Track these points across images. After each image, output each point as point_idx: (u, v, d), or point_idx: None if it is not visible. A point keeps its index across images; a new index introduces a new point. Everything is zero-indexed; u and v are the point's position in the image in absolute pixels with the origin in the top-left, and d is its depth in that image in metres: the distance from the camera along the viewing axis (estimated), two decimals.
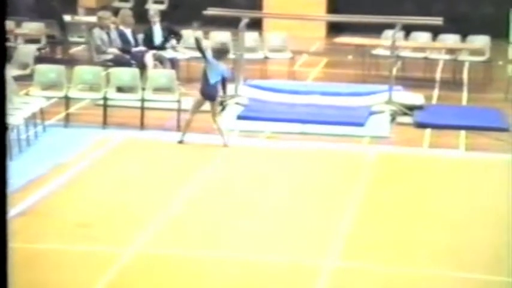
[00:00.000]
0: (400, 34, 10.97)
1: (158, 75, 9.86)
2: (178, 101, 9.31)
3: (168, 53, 11.19)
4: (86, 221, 6.42)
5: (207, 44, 9.56)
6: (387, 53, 10.90)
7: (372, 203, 7.06)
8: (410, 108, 9.98)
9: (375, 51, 11.81)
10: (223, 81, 8.71)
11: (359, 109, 9.92)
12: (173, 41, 11.30)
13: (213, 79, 8.45)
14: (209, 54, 8.56)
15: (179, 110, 9.25)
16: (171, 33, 11.29)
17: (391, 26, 10.77)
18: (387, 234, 6.34)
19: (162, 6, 14.93)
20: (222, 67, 8.58)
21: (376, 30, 11.88)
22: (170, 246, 6.04)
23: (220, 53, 8.62)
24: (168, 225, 6.44)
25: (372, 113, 9.79)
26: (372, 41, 11.97)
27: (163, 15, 12.79)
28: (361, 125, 9.40)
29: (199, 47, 8.56)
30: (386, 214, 6.79)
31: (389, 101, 9.95)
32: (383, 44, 11.55)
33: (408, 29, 11.64)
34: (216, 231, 6.34)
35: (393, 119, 9.72)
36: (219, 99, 8.73)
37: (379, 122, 9.57)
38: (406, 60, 11.82)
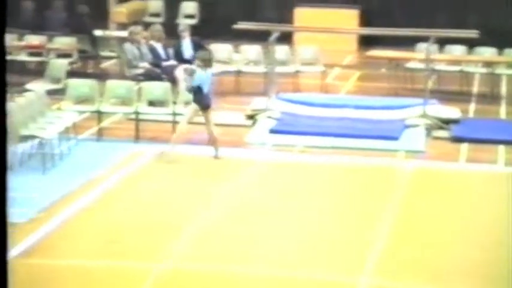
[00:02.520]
0: (435, 47, 10.79)
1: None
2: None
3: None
4: (117, 237, 6.35)
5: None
6: (421, 66, 10.74)
7: (408, 219, 6.90)
8: (446, 122, 9.79)
9: (408, 65, 11.64)
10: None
11: (393, 123, 9.75)
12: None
13: (206, 88, 8.40)
14: (197, 64, 8.54)
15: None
16: (200, 48, 11.28)
17: (424, 39, 10.61)
18: (423, 251, 6.17)
19: (193, 21, 14.95)
20: (209, 75, 8.54)
21: (409, 43, 11.72)
22: (201, 262, 5.95)
23: (206, 61, 8.56)
24: (199, 241, 6.35)
25: (406, 127, 9.62)
26: (405, 54, 11.81)
27: (194, 30, 12.79)
28: (395, 139, 9.24)
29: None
30: (422, 230, 6.63)
31: (424, 115, 9.77)
32: (417, 57, 11.38)
33: (442, 42, 11.46)
34: (248, 247, 6.24)
35: (428, 133, 9.54)
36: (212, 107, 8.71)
37: (413, 136, 9.40)
38: (441, 74, 11.63)
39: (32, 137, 8.16)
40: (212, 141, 8.46)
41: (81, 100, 9.65)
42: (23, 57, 12.04)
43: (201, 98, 8.40)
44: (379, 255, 6.05)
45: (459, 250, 6.18)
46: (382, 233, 6.50)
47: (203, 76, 8.44)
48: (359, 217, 6.92)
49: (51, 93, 9.58)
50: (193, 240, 6.35)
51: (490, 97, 11.40)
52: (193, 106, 8.44)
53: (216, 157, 8.37)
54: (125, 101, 9.62)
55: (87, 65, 12.49)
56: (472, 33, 10.31)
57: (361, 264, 5.89)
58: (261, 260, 5.97)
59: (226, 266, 5.86)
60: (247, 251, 6.15)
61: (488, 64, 11.69)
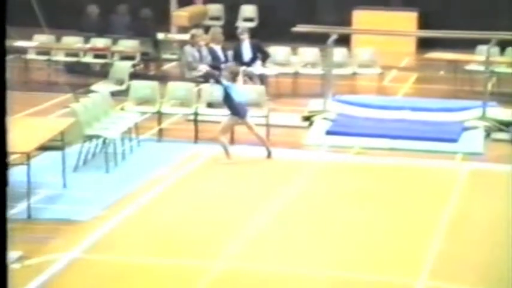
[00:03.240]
0: (495, 49, 10.66)
1: (248, 91, 9.99)
2: (267, 116, 9.39)
3: (257, 69, 11.32)
4: (176, 235, 6.54)
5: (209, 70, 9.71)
6: (481, 68, 10.63)
7: (465, 221, 6.87)
8: (506, 124, 9.67)
9: (468, 67, 11.53)
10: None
11: (451, 125, 9.69)
12: (259, 60, 11.41)
13: (237, 98, 8.47)
14: (224, 78, 8.60)
15: (268, 125, 9.32)
16: (259, 51, 11.44)
17: (484, 41, 10.50)
18: (479, 254, 6.14)
19: (252, 24, 15.13)
20: (239, 88, 8.59)
21: (468, 45, 11.61)
22: (257, 261, 6.06)
23: (234, 73, 8.65)
24: (255, 240, 6.47)
25: (465, 129, 9.55)
26: (464, 56, 11.70)
27: (253, 32, 12.95)
28: (454, 140, 9.19)
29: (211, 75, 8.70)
30: (479, 233, 6.59)
31: (483, 117, 9.68)
32: (476, 59, 11.26)
33: (503, 45, 11.30)
34: (303, 248, 6.32)
35: (488, 135, 9.44)
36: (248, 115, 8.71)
37: (472, 138, 9.33)
38: (500, 76, 11.47)
39: (97, 136, 8.45)
40: (262, 143, 8.58)
41: (143, 101, 9.93)
42: (89, 59, 12.45)
43: (237, 108, 8.47)
44: (435, 257, 6.05)
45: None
46: (439, 235, 6.50)
47: (231, 87, 8.51)
48: (415, 219, 6.92)
49: (114, 94, 9.89)
50: (250, 240, 6.48)
51: None
52: (232, 118, 8.51)
53: (268, 157, 8.49)
54: (184, 103, 9.86)
55: (149, 67, 12.82)
56: None
57: (417, 266, 5.91)
58: (316, 261, 6.05)
59: (281, 266, 5.95)
60: (303, 252, 6.23)
61: None
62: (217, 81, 8.87)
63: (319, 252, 6.23)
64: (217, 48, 11.30)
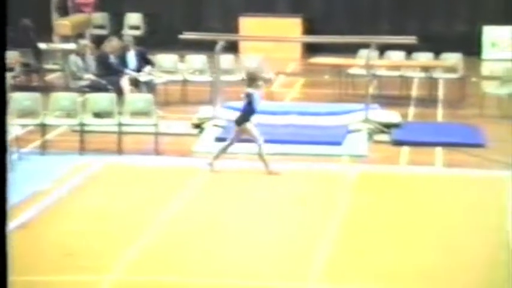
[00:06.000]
0: (375, 53, 11.07)
1: (135, 99, 9.86)
2: (156, 125, 9.30)
3: (144, 77, 11.20)
4: (67, 250, 6.33)
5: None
6: (363, 72, 11.00)
7: (353, 223, 7.04)
8: (387, 126, 10.05)
9: (350, 71, 11.90)
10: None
11: (336, 128, 9.97)
12: (147, 68, 11.31)
13: (258, 107, 8.37)
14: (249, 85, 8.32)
15: (157, 134, 9.23)
16: (144, 59, 11.34)
17: (366, 46, 10.88)
18: (369, 256, 6.27)
19: (138, 32, 14.97)
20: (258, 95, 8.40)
21: (351, 49, 11.99)
22: (150, 273, 5.98)
23: (251, 80, 8.48)
24: (147, 252, 6.38)
25: (348, 132, 9.84)
26: (347, 60, 12.07)
27: (140, 41, 12.81)
28: (338, 144, 9.44)
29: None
30: (368, 234, 6.74)
31: (366, 120, 10.01)
32: (358, 63, 11.65)
33: (383, 48, 11.76)
34: (196, 257, 6.29)
35: (370, 137, 9.78)
36: None
37: (356, 140, 9.62)
38: (381, 79, 11.93)
39: None
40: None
41: (25, 113, 9.58)
42: None
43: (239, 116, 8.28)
44: (325, 261, 6.16)
45: (404, 253, 6.31)
46: (328, 238, 6.62)
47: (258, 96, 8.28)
48: (306, 223, 7.04)
49: None
50: (141, 251, 6.38)
51: (428, 101, 11.75)
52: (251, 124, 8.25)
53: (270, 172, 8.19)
54: (70, 114, 9.59)
55: (31, 78, 12.39)
56: (411, 40, 10.62)
57: (308, 270, 6.00)
58: (208, 269, 6.04)
59: (174, 276, 5.90)
60: (195, 260, 6.20)
61: (425, 69, 12.05)
62: (106, 90, 8.59)
63: (211, 260, 6.21)
64: (110, 57, 11.11)
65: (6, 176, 1.98)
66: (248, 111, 8.33)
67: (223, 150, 8.41)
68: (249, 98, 8.30)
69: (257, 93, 8.38)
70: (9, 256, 1.95)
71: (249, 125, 8.34)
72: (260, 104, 8.48)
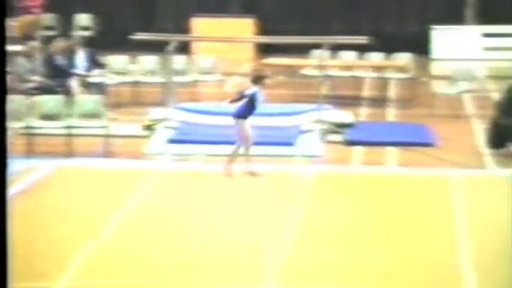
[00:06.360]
0: (327, 53, 11.12)
1: (85, 101, 9.68)
2: (107, 127, 9.15)
3: (94, 79, 11.03)
4: (17, 256, 6.15)
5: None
6: (316, 72, 11.03)
7: (309, 223, 7.02)
8: (340, 126, 10.09)
9: (303, 71, 11.92)
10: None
11: (289, 129, 9.96)
12: (96, 70, 11.15)
13: (259, 107, 8.24)
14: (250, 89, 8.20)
15: (108, 136, 9.08)
16: (94, 61, 11.18)
17: (318, 46, 10.92)
18: (326, 256, 6.23)
19: (88, 33, 14.75)
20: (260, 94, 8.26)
21: (304, 50, 12.02)
22: (100, 277, 5.86)
23: (258, 78, 8.32)
24: (98, 256, 6.26)
25: (301, 132, 9.84)
26: (300, 61, 12.10)
27: (91, 41, 12.62)
28: (291, 144, 9.44)
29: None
30: (324, 235, 6.72)
31: (318, 120, 10.03)
32: (311, 63, 11.68)
33: (336, 49, 11.82)
34: (148, 260, 6.19)
35: (323, 137, 9.80)
36: None
37: (309, 141, 9.63)
38: (334, 79, 11.99)
39: None
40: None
41: None
42: None
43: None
44: (282, 261, 6.11)
45: (359, 253, 6.30)
46: (284, 238, 6.59)
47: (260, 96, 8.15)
48: (261, 223, 6.99)
49: None
50: (92, 255, 6.25)
51: (380, 100, 11.86)
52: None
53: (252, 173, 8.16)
54: (16, 116, 9.36)
55: None
56: (362, 40, 10.69)
57: (264, 271, 5.95)
58: (160, 272, 5.96)
59: (125, 280, 5.80)
60: (147, 263, 6.11)
61: (377, 69, 12.16)
62: (54, 92, 8.35)
63: (162, 264, 6.12)
64: (58, 58, 10.91)
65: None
66: (249, 108, 8.18)
67: (235, 152, 8.22)
68: (253, 95, 8.13)
69: (261, 92, 8.21)
70: None
71: (245, 123, 8.19)
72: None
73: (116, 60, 11.81)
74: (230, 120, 10.20)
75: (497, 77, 12.54)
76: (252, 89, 8.26)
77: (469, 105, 11.45)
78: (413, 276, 5.86)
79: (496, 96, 9.97)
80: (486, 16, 14.97)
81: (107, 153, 8.96)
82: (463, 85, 11.30)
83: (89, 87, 10.80)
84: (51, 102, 9.44)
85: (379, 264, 6.04)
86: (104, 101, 9.63)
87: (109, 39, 13.98)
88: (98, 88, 10.80)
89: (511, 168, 8.54)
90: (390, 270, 5.95)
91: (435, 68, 14.44)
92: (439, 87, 11.76)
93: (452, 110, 11.01)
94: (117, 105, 10.90)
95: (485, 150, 9.21)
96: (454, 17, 15.08)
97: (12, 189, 7.73)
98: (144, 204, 7.49)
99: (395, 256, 6.21)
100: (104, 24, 15.01)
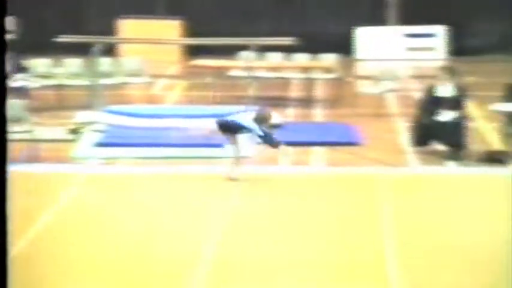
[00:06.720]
0: (254, 55, 11.21)
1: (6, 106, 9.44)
2: (31, 131, 8.97)
3: (16, 83, 10.78)
4: None
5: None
6: (243, 73, 11.10)
7: (236, 224, 7.07)
8: (269, 127, 10.17)
9: (230, 73, 11.98)
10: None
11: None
12: (18, 74, 10.91)
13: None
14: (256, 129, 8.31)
15: (32, 140, 8.90)
16: (16, 64, 10.94)
17: (245, 47, 11.00)
18: (252, 256, 6.30)
19: (10, 36, 14.37)
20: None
21: (231, 51, 12.08)
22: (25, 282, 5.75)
23: (261, 120, 8.42)
24: (21, 261, 6.13)
25: None
26: (227, 62, 12.15)
27: (13, 44, 12.30)
28: (220, 146, 9.47)
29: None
30: (252, 236, 6.78)
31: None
32: (238, 65, 11.75)
33: (263, 50, 11.93)
34: (74, 263, 6.12)
35: (252, 138, 9.86)
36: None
37: (238, 142, 9.67)
38: (261, 80, 12.09)
39: None
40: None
41: None
42: None
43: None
44: (209, 263, 6.13)
45: (288, 251, 6.36)
46: (212, 240, 6.61)
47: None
48: (188, 225, 7.00)
49: None
50: (17, 261, 6.12)
51: (307, 101, 12.04)
52: None
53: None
54: None
55: None
56: (289, 41, 10.83)
57: (191, 274, 5.95)
58: (89, 275, 5.89)
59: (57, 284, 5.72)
60: (73, 266, 6.04)
61: (304, 69, 12.34)
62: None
63: (90, 264, 6.06)
64: None
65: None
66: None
67: (236, 158, 8.25)
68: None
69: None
70: None
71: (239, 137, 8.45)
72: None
73: (40, 64, 11.58)
74: (159, 123, 10.20)
75: (419, 77, 12.93)
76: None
77: (393, 105, 11.77)
78: (338, 275, 5.98)
79: (419, 95, 10.28)
80: (408, 17, 15.42)
81: (32, 158, 8.78)
82: (387, 84, 11.60)
83: (11, 91, 10.54)
84: None
85: (306, 263, 6.14)
86: (27, 106, 9.43)
87: (32, 43, 13.68)
88: (20, 92, 10.56)
89: (433, 165, 8.84)
90: (316, 269, 6.06)
91: (360, 68, 14.77)
92: (363, 87, 12.04)
93: (377, 109, 11.29)
94: (41, 109, 10.69)
95: (409, 148, 9.49)
96: (378, 18, 15.46)
97: None
98: (70, 208, 7.38)
99: (321, 254, 6.33)
100: (27, 27, 14.68)
